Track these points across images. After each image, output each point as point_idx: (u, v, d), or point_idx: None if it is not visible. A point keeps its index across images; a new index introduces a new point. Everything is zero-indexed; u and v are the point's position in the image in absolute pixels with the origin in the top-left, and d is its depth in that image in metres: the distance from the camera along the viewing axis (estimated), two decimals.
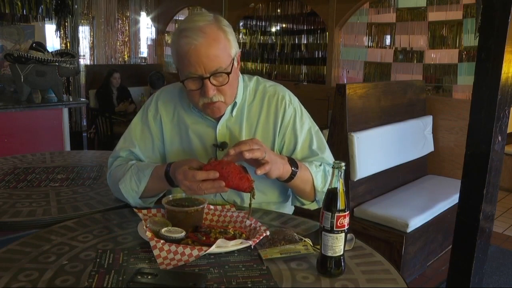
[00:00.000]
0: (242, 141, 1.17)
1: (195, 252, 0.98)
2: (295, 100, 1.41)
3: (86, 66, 6.28)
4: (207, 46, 1.16)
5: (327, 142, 1.44)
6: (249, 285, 0.91)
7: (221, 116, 1.32)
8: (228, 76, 1.20)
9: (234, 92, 1.30)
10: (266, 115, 1.35)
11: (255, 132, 1.35)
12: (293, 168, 1.24)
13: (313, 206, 1.38)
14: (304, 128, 1.38)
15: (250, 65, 6.19)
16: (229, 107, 1.32)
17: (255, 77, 1.41)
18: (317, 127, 1.42)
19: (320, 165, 1.34)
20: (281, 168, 1.21)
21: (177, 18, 7.36)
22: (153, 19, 7.43)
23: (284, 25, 5.87)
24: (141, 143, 1.38)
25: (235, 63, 1.25)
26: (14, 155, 2.03)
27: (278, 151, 1.37)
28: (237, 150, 1.12)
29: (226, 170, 1.10)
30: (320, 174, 1.32)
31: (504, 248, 3.22)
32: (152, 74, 5.47)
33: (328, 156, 1.39)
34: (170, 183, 1.21)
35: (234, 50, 1.23)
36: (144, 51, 7.84)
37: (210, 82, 1.19)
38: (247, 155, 1.11)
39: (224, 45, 1.19)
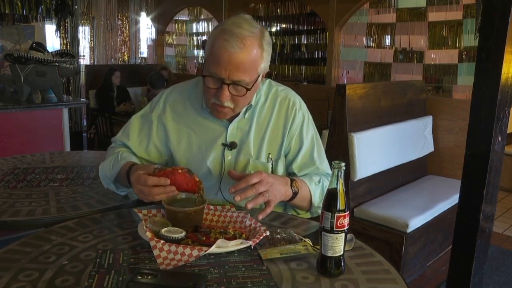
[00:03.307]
0: (248, 178, 1.15)
1: (195, 252, 0.98)
2: (304, 106, 1.43)
3: (86, 66, 6.27)
4: (241, 57, 1.17)
5: (327, 142, 1.46)
6: (249, 285, 0.90)
7: (233, 117, 1.34)
8: (247, 91, 1.22)
9: (246, 103, 1.32)
10: (277, 118, 1.38)
11: (264, 134, 1.36)
12: (294, 191, 1.27)
13: (306, 215, 1.40)
14: (309, 134, 1.41)
15: None
16: (243, 109, 1.34)
17: (267, 80, 1.41)
18: (318, 135, 1.46)
19: (319, 181, 1.36)
20: (283, 196, 1.24)
21: (177, 18, 7.36)
22: (153, 19, 7.43)
23: (284, 25, 5.86)
24: (136, 139, 1.40)
25: (259, 79, 1.27)
26: (13, 155, 2.03)
27: (284, 154, 1.39)
28: (243, 197, 1.13)
29: (172, 179, 1.12)
30: (319, 191, 1.34)
31: (504, 248, 3.22)
32: (152, 74, 5.47)
33: (326, 166, 1.43)
34: (130, 183, 1.22)
35: (263, 67, 1.25)
36: (144, 51, 7.84)
37: (228, 89, 1.21)
38: (250, 206, 1.14)
39: (256, 62, 1.21)
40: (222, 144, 1.35)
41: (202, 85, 1.30)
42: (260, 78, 1.27)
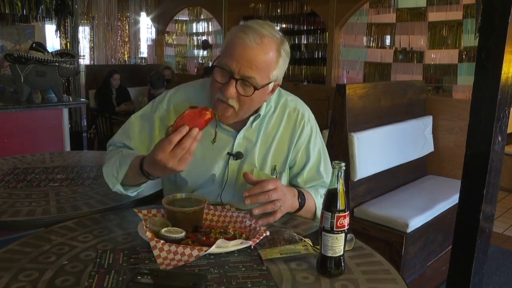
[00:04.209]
0: (264, 184, 1.14)
1: (195, 252, 0.98)
2: (313, 118, 1.40)
3: (86, 66, 6.28)
4: (255, 53, 1.13)
5: (327, 142, 1.45)
6: (249, 285, 0.90)
7: (241, 127, 1.30)
8: (254, 91, 1.16)
9: (251, 110, 1.26)
10: (284, 130, 1.34)
11: (271, 144, 1.33)
12: (300, 203, 1.27)
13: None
14: (316, 148, 1.39)
15: None
16: (251, 118, 1.30)
17: (277, 88, 1.35)
18: (325, 146, 1.44)
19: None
20: (290, 207, 1.23)
21: (177, 18, 7.36)
22: (153, 19, 7.43)
23: (284, 25, 5.86)
24: (137, 139, 1.35)
25: (269, 87, 1.22)
26: (14, 155, 2.03)
27: (289, 167, 1.38)
28: (254, 202, 1.12)
29: (187, 122, 1.06)
30: None
31: (504, 248, 3.22)
32: (152, 74, 5.47)
33: None
34: (147, 175, 1.17)
35: (276, 75, 1.20)
36: (144, 51, 7.84)
37: (235, 85, 1.15)
38: (256, 213, 1.13)
39: (270, 64, 1.16)
40: (228, 153, 1.31)
41: (208, 87, 1.25)
42: (271, 86, 1.22)
